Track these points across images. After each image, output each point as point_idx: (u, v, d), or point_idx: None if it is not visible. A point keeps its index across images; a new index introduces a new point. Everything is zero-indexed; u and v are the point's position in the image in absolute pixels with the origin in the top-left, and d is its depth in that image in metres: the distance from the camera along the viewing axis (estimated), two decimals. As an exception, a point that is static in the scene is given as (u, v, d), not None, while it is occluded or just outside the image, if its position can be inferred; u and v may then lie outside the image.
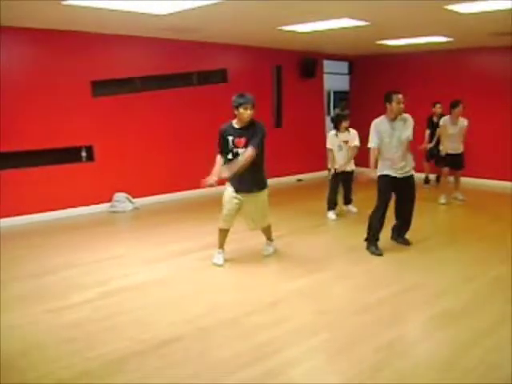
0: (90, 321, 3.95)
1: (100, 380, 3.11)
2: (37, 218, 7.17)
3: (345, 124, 7.05)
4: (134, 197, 8.09)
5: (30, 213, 7.13)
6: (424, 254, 5.54)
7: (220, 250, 5.30)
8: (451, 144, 7.88)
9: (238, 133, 4.98)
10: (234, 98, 4.97)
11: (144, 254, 5.71)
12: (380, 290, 4.52)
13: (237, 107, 4.91)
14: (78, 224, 7.16)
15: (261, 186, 5.17)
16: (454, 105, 7.80)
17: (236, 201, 5.11)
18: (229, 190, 5.15)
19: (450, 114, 7.87)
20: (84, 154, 7.74)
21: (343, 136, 7.07)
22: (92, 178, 7.76)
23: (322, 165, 11.45)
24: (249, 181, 5.04)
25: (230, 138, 4.99)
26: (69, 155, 7.59)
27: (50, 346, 3.55)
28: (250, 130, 4.95)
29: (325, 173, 11.30)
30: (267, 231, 5.54)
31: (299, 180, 10.28)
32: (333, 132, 7.16)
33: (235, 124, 5.03)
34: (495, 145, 9.60)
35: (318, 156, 11.37)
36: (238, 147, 4.97)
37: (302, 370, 3.20)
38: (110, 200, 7.92)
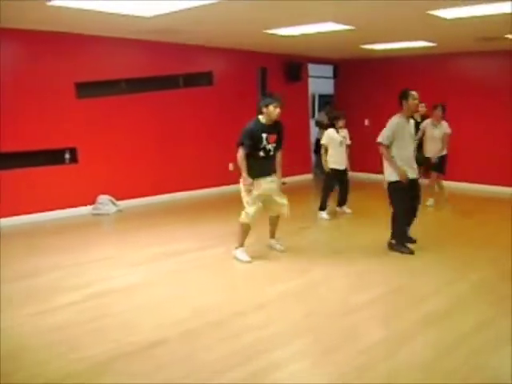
0: (76, 323, 3.92)
1: (87, 382, 3.09)
2: (19, 220, 7.08)
3: (341, 123, 7.32)
4: (118, 199, 8.04)
5: (13, 215, 7.04)
6: (410, 257, 5.59)
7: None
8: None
9: (269, 130, 5.25)
10: (263, 98, 5.35)
11: (129, 256, 5.68)
12: (366, 292, 4.55)
13: (267, 105, 5.18)
14: (62, 226, 7.10)
15: None
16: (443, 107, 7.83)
17: None
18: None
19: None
20: (67, 155, 7.66)
21: (342, 133, 7.35)
22: (75, 180, 7.69)
23: (307, 168, 11.55)
24: None
25: (264, 136, 5.22)
26: (52, 157, 7.51)
27: (36, 349, 3.52)
28: (276, 127, 5.33)
29: (309, 176, 11.42)
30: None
31: (283, 183, 10.21)
32: (331, 129, 7.32)
33: (263, 121, 5.25)
34: (480, 148, 9.68)
35: (303, 159, 11.44)
36: (269, 143, 5.27)
37: (288, 372, 3.22)
38: (93, 202, 7.86)
